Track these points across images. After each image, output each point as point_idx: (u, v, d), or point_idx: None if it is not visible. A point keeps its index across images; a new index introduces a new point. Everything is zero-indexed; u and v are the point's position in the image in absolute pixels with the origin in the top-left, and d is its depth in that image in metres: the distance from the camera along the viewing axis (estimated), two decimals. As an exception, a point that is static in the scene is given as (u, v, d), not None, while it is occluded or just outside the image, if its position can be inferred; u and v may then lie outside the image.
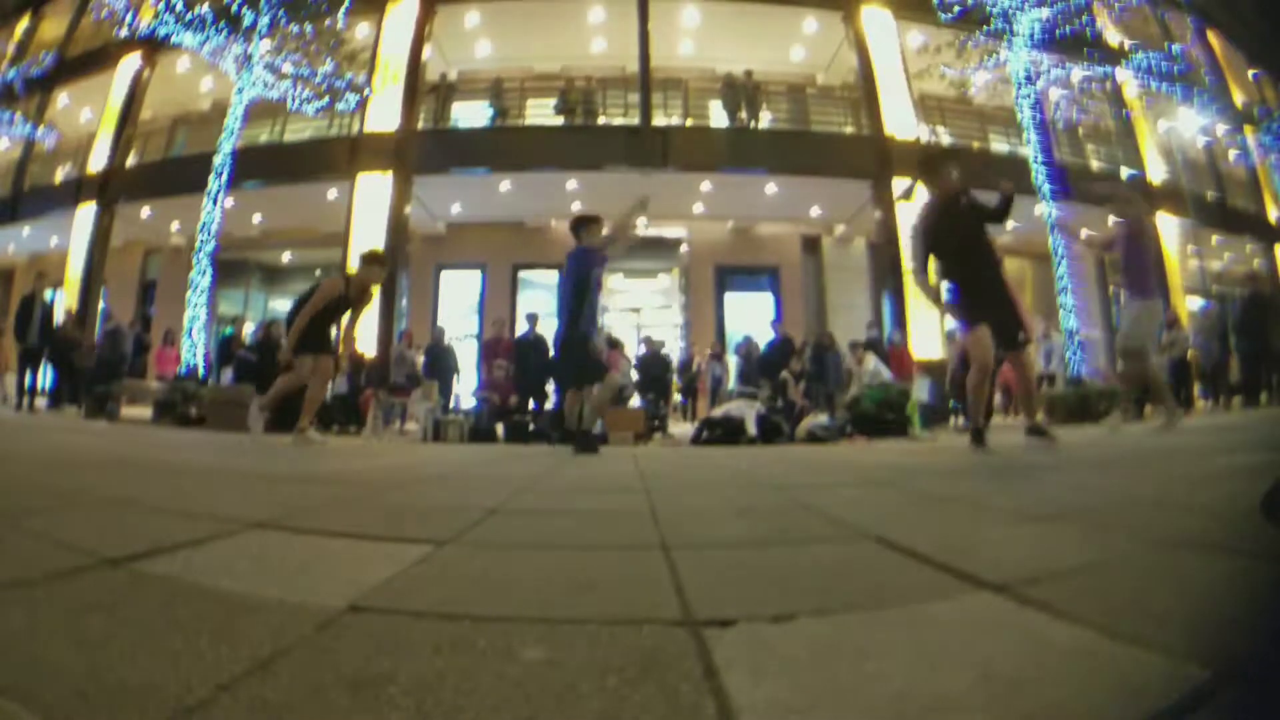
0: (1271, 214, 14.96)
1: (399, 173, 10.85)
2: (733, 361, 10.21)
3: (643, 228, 13.17)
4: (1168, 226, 12.49)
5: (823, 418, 6.72)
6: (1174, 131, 13.51)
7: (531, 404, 8.37)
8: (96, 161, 12.92)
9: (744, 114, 11.73)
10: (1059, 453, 3.23)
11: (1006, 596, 0.80)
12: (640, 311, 13.63)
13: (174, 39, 10.29)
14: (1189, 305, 12.50)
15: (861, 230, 12.43)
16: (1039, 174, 10.66)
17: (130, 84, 13.13)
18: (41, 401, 9.35)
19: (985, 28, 10.68)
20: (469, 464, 3.28)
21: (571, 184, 11.61)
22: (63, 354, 9.16)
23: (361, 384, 8.61)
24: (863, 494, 2.00)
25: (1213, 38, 14.13)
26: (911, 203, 5.80)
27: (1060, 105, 11.55)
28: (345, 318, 4.64)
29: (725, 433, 6.07)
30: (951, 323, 10.43)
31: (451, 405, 9.12)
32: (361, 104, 10.98)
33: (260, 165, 10.94)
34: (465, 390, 10.09)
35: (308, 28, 10.41)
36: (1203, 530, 1.18)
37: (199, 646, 0.63)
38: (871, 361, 7.88)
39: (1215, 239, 14.22)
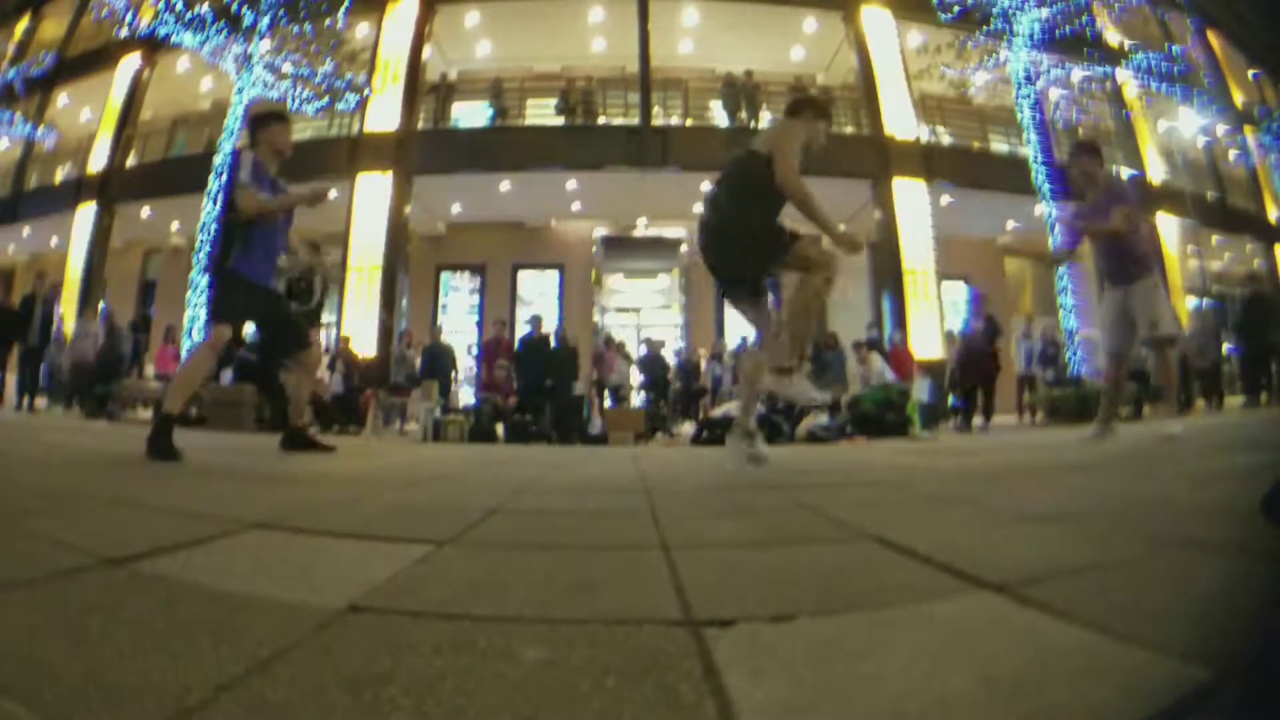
0: (1271, 214, 14.96)
1: (399, 173, 10.85)
2: (731, 361, 10.21)
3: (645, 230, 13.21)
4: (1168, 226, 12.50)
5: (823, 418, 6.71)
6: (1174, 131, 13.51)
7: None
8: (96, 161, 12.93)
9: (744, 114, 11.73)
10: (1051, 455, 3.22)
11: (1006, 596, 0.80)
12: (640, 311, 13.64)
13: (174, 39, 10.31)
14: (1189, 305, 12.50)
15: (861, 230, 12.43)
16: (1039, 174, 10.67)
17: (130, 84, 13.14)
18: (40, 401, 9.35)
19: (985, 28, 10.69)
20: (469, 464, 3.28)
21: (571, 184, 11.62)
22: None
23: (357, 384, 8.61)
24: (863, 494, 2.00)
25: (1213, 38, 14.13)
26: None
27: (1060, 105, 11.56)
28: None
29: (725, 433, 6.06)
30: (952, 323, 10.46)
31: (452, 404, 9.13)
32: (361, 104, 10.99)
33: (260, 165, 10.92)
34: (465, 390, 10.11)
35: (308, 28, 10.42)
36: (1202, 530, 1.18)
37: (199, 646, 0.63)
38: (878, 362, 7.88)
39: (1215, 239, 14.22)
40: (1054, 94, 11.50)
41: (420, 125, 11.68)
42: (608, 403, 9.33)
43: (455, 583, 0.90)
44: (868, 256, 12.47)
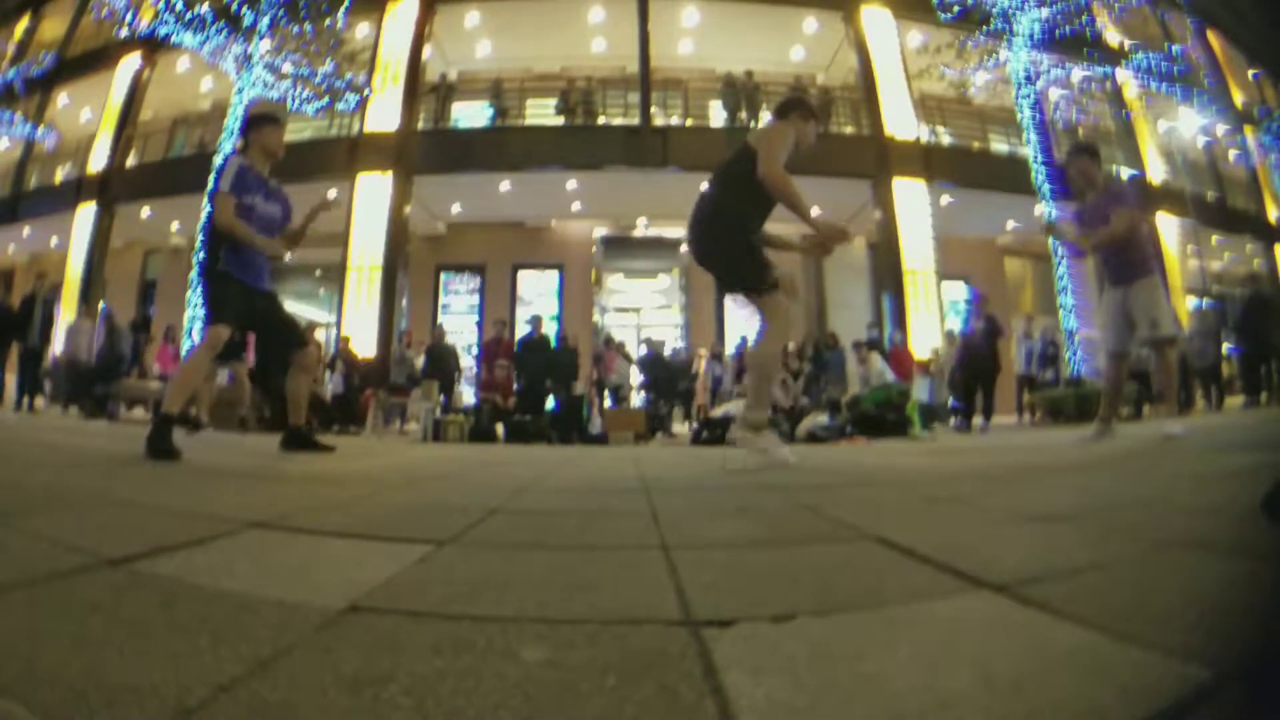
0: (1271, 214, 14.97)
1: (399, 173, 10.86)
2: (731, 361, 10.22)
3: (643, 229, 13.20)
4: (1168, 226, 12.51)
5: (823, 418, 6.72)
6: (1174, 131, 13.52)
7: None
8: (96, 161, 12.93)
9: (744, 114, 11.73)
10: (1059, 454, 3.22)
11: (1006, 596, 0.80)
12: (640, 311, 13.64)
13: (174, 39, 10.32)
14: (1189, 305, 12.51)
15: (861, 230, 12.44)
16: (1039, 174, 10.66)
17: (130, 84, 13.14)
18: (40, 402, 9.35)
19: (985, 28, 10.69)
20: (469, 464, 3.28)
21: (571, 184, 11.62)
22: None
23: (357, 384, 8.61)
24: (863, 494, 2.00)
25: (1213, 38, 14.12)
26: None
27: (1060, 105, 11.56)
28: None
29: (725, 433, 6.07)
30: (953, 323, 10.46)
31: (453, 405, 9.13)
32: (361, 104, 11.00)
33: (260, 165, 10.93)
34: (465, 389, 10.11)
35: (308, 28, 10.42)
36: (1203, 530, 1.18)
37: (199, 646, 0.63)
38: (878, 362, 7.88)
39: (1215, 239, 14.22)
40: (1054, 94, 11.51)
41: (420, 125, 11.68)
42: (608, 403, 9.33)
43: (455, 583, 0.90)
44: (868, 256, 12.51)
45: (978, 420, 8.22)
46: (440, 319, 12.52)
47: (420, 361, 9.35)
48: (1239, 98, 14.28)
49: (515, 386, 8.56)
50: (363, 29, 11.64)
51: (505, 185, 11.57)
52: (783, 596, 0.82)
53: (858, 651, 0.63)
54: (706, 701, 0.53)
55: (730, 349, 10.20)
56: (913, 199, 11.07)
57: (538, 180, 11.46)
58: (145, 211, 12.74)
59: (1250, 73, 14.27)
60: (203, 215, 9.86)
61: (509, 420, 7.67)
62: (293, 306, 11.13)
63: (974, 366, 8.23)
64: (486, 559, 1.08)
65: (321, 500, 1.75)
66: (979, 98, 11.99)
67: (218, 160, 10.03)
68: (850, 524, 1.36)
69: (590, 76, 12.21)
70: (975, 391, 8.28)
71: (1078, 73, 11.36)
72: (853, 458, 3.75)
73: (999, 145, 12.48)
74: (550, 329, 10.20)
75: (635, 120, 11.34)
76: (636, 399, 9.68)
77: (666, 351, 10.12)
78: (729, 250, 2.79)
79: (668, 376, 9.58)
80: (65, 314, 10.93)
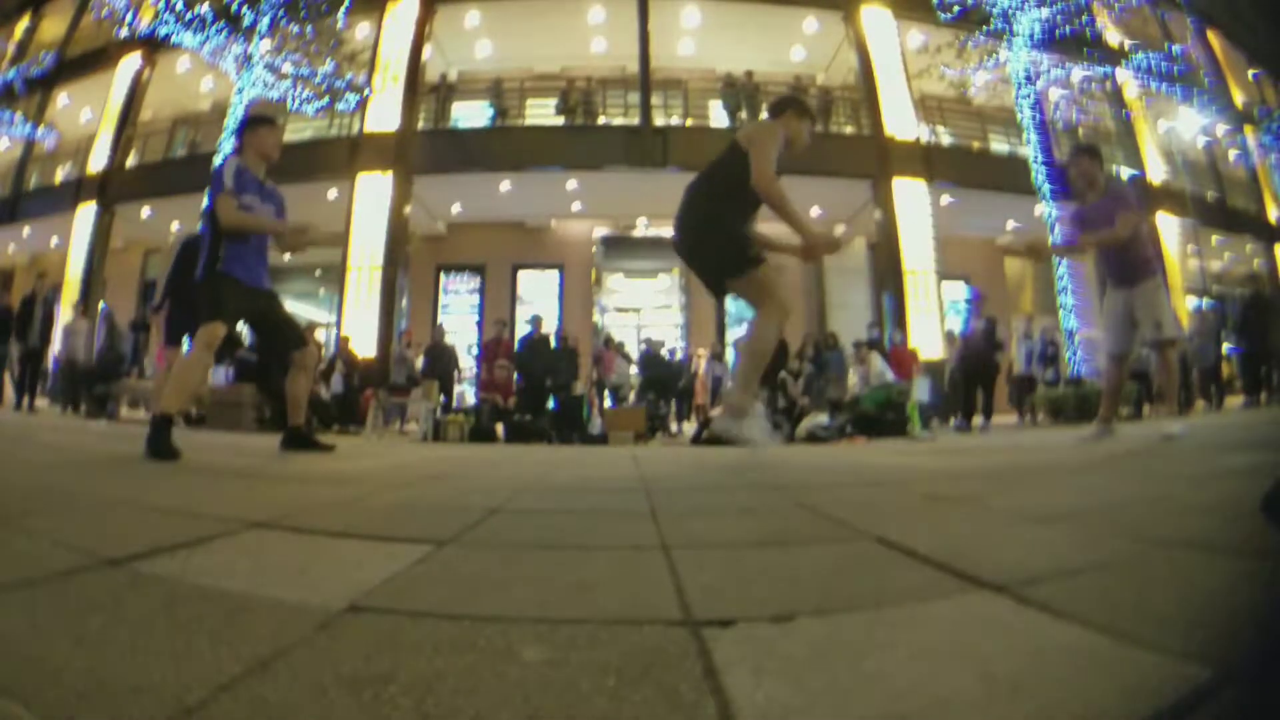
0: (1271, 214, 14.96)
1: (399, 173, 10.86)
2: (731, 361, 10.23)
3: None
4: (1168, 226, 12.50)
5: (823, 418, 6.71)
6: (1174, 131, 13.52)
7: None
8: (96, 161, 12.93)
9: (744, 114, 11.73)
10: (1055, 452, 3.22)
11: (1006, 596, 0.80)
12: (640, 311, 13.64)
13: (174, 39, 10.32)
14: (1189, 305, 12.51)
15: (861, 230, 12.45)
16: (1039, 174, 10.66)
17: (130, 84, 13.14)
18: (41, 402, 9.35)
19: (985, 28, 10.69)
20: (469, 464, 3.28)
21: (571, 184, 11.62)
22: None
23: (357, 384, 8.61)
24: (862, 494, 2.00)
25: (1213, 38, 14.13)
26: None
27: (1060, 105, 11.56)
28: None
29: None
30: (954, 323, 10.46)
31: (454, 404, 9.13)
32: (361, 104, 11.00)
33: (260, 165, 10.94)
34: (465, 389, 10.10)
35: (308, 28, 10.42)
36: (1203, 530, 1.18)
37: (199, 646, 0.63)
38: (878, 362, 7.87)
39: (1215, 239, 14.22)
40: (1054, 94, 11.50)
41: (420, 125, 11.68)
42: (608, 403, 9.33)
43: (455, 583, 0.90)
44: (867, 256, 12.51)
45: (978, 420, 8.22)
46: (440, 319, 12.52)
47: (420, 362, 9.35)
48: (1239, 98, 14.28)
49: (517, 381, 8.55)
50: (363, 29, 11.64)
51: (505, 185, 11.57)
52: (783, 596, 0.82)
53: (858, 652, 0.63)
54: (706, 702, 0.53)
55: (730, 349, 10.20)
56: (913, 199, 11.07)
57: (538, 180, 11.46)
58: (145, 211, 12.74)
59: (1250, 73, 14.28)
60: (204, 217, 9.89)
61: (509, 420, 7.67)
62: (293, 306, 11.15)
63: (974, 366, 8.23)
64: (486, 559, 1.08)
65: (321, 500, 1.75)
66: (979, 98, 11.99)
67: (217, 160, 10.04)
68: (850, 524, 1.36)
69: (590, 76, 12.21)
70: (975, 391, 8.28)
71: (1078, 73, 11.36)
72: (853, 458, 3.75)
73: (999, 145, 12.48)
74: (550, 329, 10.19)
75: (635, 120, 11.34)
76: (633, 398, 9.67)
77: (664, 351, 10.13)
78: (712, 241, 2.77)
79: (666, 376, 9.59)
80: (65, 314, 10.93)
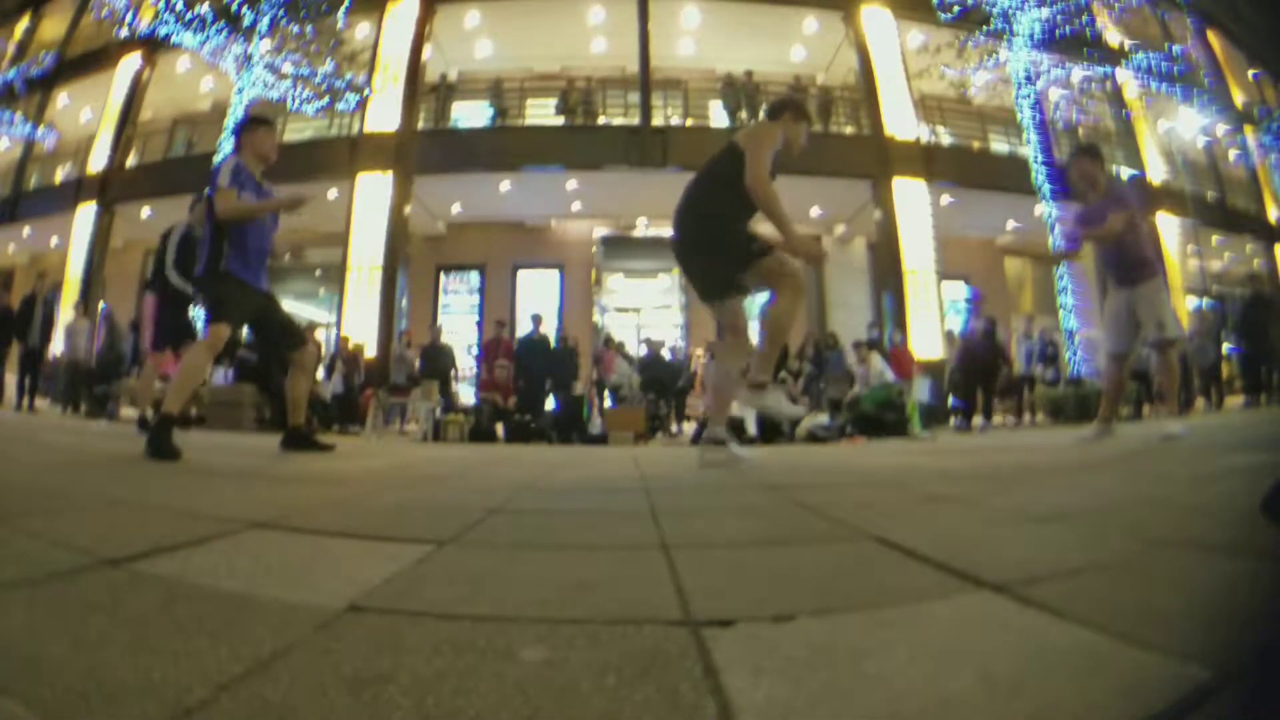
0: (1271, 214, 14.96)
1: (399, 173, 10.85)
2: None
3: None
4: (1168, 226, 12.50)
5: (823, 418, 6.71)
6: (1174, 131, 13.51)
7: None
8: (96, 161, 12.92)
9: (744, 114, 11.73)
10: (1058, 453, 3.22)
11: (1006, 596, 0.80)
12: (640, 311, 13.64)
13: (174, 39, 10.32)
14: (1189, 305, 12.51)
15: (861, 230, 12.44)
16: (1039, 174, 10.66)
17: (130, 84, 13.13)
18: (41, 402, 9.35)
19: (985, 28, 10.68)
20: (469, 464, 3.28)
21: (571, 184, 11.62)
22: None
23: (357, 384, 8.61)
24: (862, 494, 2.00)
25: (1213, 38, 14.13)
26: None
27: (1060, 105, 11.56)
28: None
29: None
30: (954, 323, 10.46)
31: (453, 404, 9.12)
32: (361, 104, 10.99)
33: (260, 165, 10.95)
34: (465, 389, 10.09)
35: (308, 28, 10.42)
36: (1203, 530, 1.18)
37: (199, 646, 0.63)
38: (878, 362, 7.87)
39: (1215, 239, 14.22)
40: (1054, 94, 11.50)
41: (420, 125, 11.67)
42: (608, 403, 9.33)
43: (455, 583, 0.90)
44: (868, 256, 12.52)
45: (978, 420, 8.22)
46: (440, 319, 12.52)
47: (419, 361, 9.35)
48: (1239, 98, 14.27)
49: (515, 386, 8.55)
50: (363, 29, 11.63)
51: (505, 185, 11.57)
52: (783, 596, 0.82)
53: (858, 652, 0.63)
54: (706, 702, 0.53)
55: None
56: (913, 199, 11.06)
57: (538, 180, 11.45)
58: (145, 211, 12.72)
59: (1250, 73, 14.27)
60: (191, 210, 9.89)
61: (509, 420, 7.67)
62: (292, 307, 11.15)
63: (974, 366, 8.23)
64: (486, 559, 1.08)
65: (322, 500, 1.75)
66: (979, 98, 11.98)
67: (216, 160, 10.04)
68: (850, 524, 1.36)
69: (590, 76, 12.20)
70: (975, 391, 8.28)
71: (1078, 73, 11.36)
72: (853, 458, 3.75)
73: (999, 145, 12.47)
74: (550, 328, 10.18)
75: (635, 120, 11.34)
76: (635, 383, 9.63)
77: (664, 352, 10.12)
78: (713, 240, 2.78)
79: (666, 376, 9.58)
80: (65, 314, 10.93)
